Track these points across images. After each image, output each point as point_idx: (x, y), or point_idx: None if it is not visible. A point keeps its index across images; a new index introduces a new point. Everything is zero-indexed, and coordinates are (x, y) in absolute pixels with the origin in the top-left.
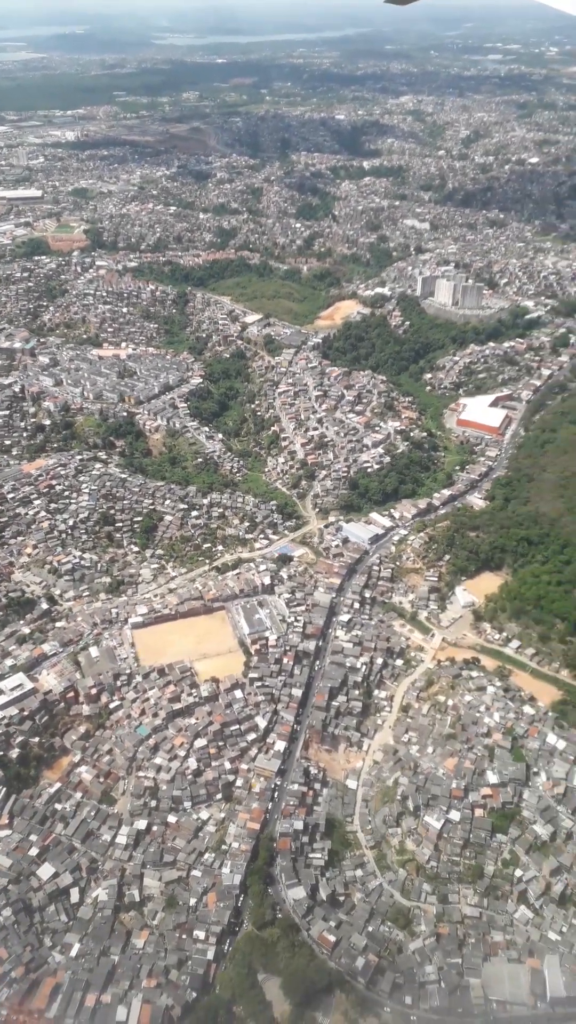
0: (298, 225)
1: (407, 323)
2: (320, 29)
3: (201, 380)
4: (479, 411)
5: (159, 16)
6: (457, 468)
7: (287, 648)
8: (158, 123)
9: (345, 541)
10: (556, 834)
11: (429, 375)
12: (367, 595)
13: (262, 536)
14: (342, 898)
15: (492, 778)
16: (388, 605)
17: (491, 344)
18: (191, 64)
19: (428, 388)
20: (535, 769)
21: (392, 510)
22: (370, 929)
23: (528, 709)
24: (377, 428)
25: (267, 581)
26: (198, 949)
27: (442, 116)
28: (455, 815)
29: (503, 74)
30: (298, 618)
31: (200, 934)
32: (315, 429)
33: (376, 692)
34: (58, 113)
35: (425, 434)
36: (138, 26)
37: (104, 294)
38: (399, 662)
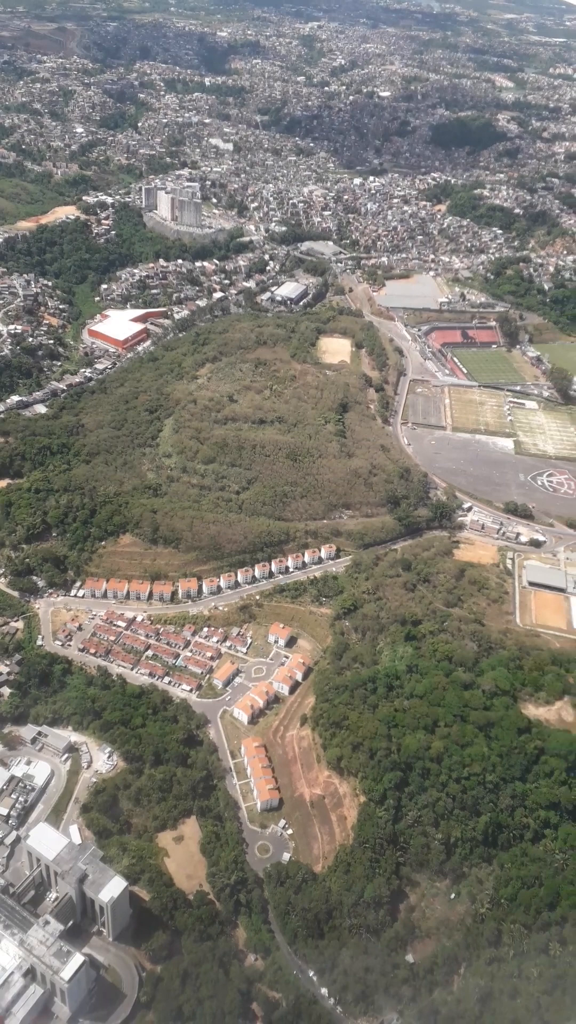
0: (79, 130)
1: (113, 232)
2: None
3: None
4: (115, 325)
5: None
6: (57, 379)
7: None
8: (26, 20)
9: None
10: None
11: (105, 287)
12: None
13: None
14: None
15: None
16: None
17: (179, 261)
18: None
19: (97, 299)
20: None
21: None
22: None
23: None
24: None
25: None
26: None
27: (331, 44)
28: None
29: (435, 11)
30: None
31: None
32: None
33: None
34: None
35: (51, 341)
36: None
37: None
38: None
